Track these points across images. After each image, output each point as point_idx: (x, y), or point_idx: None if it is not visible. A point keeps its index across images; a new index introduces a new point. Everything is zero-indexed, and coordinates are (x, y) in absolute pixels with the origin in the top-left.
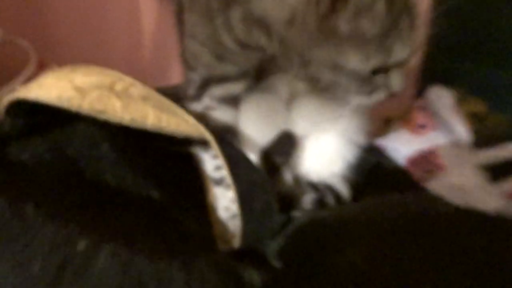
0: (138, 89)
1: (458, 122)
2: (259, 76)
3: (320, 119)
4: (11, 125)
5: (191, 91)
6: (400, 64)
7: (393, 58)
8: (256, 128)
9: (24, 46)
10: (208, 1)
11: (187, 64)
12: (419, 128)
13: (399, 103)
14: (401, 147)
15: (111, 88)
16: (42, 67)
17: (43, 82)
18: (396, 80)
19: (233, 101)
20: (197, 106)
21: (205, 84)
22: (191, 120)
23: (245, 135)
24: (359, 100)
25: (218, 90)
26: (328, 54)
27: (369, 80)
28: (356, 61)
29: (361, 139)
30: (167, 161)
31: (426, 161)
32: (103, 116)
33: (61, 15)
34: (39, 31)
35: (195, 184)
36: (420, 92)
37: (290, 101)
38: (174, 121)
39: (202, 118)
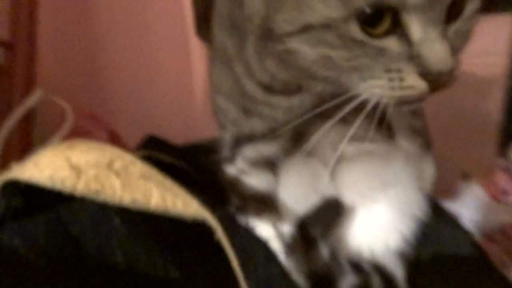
0: (138, 167)
1: None
2: (298, 139)
3: (370, 186)
4: (5, 206)
5: (225, 152)
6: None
7: None
8: (295, 197)
9: (62, 105)
10: (225, 48)
11: (218, 122)
12: (501, 194)
13: (478, 159)
14: (477, 215)
15: (109, 166)
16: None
17: (39, 160)
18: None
19: (268, 166)
20: (231, 170)
21: (237, 144)
22: (195, 204)
23: (283, 204)
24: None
25: (249, 151)
26: None
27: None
28: None
29: (421, 208)
30: (184, 231)
31: (508, 238)
32: (100, 197)
33: (113, 69)
34: (92, 86)
35: (217, 258)
36: (502, 150)
37: (335, 165)
38: (180, 202)
39: (235, 184)
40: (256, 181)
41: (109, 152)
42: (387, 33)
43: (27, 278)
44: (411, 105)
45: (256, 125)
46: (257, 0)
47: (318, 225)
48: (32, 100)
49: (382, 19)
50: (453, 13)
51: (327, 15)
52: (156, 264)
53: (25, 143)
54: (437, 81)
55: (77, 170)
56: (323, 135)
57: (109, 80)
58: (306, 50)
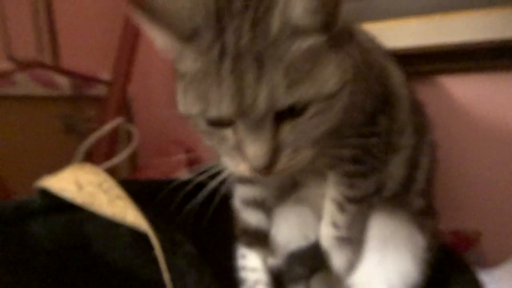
0: (116, 189)
1: None
2: (292, 188)
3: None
4: (39, 204)
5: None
6: None
7: None
8: (285, 238)
9: (131, 129)
10: None
11: None
12: None
13: None
14: None
15: (100, 186)
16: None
17: (62, 174)
18: None
19: (259, 206)
20: (234, 203)
21: (234, 182)
22: (144, 223)
23: (276, 243)
24: None
25: (242, 191)
26: None
27: None
28: None
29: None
30: None
31: None
32: (91, 209)
33: None
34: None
35: None
36: None
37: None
38: (139, 220)
39: (235, 216)
40: (248, 217)
41: (100, 175)
42: (227, 126)
43: (42, 263)
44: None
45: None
46: None
47: (304, 264)
48: (114, 123)
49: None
50: (292, 113)
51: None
52: (147, 269)
53: (110, 151)
54: (258, 172)
55: (79, 186)
56: (314, 186)
57: None
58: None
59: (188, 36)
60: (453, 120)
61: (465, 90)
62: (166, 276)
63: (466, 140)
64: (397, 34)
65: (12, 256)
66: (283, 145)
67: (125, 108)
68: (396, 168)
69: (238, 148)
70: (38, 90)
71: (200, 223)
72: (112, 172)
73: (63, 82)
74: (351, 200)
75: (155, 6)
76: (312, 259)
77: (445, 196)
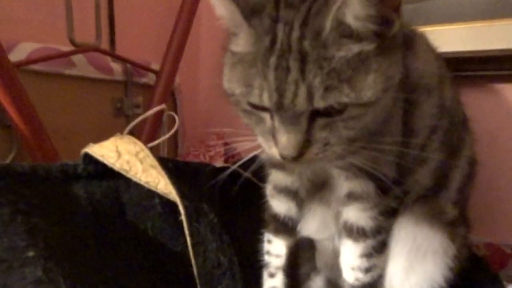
0: (150, 159)
1: None
2: (322, 185)
3: None
4: (82, 169)
5: (266, 172)
6: None
7: None
8: (307, 231)
9: (175, 116)
10: None
11: None
12: None
13: None
14: None
15: (137, 155)
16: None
17: (104, 143)
18: None
19: (291, 194)
20: (268, 189)
21: (269, 167)
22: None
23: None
24: None
25: (275, 177)
26: None
27: None
28: None
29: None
30: None
31: None
32: (128, 175)
33: None
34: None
35: None
36: None
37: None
38: (170, 188)
39: (266, 202)
40: (279, 205)
41: (138, 146)
42: (266, 110)
43: (80, 221)
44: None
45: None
46: None
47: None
48: (158, 108)
49: None
50: (328, 112)
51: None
52: (175, 240)
53: (152, 134)
54: (286, 160)
55: (118, 154)
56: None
57: None
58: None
59: (249, 12)
60: (502, 125)
61: None
62: (188, 240)
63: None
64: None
65: (55, 211)
66: (314, 140)
67: (171, 98)
68: (422, 178)
69: (273, 134)
70: (93, 73)
71: (233, 205)
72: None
73: (116, 68)
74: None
75: None
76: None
77: (485, 207)
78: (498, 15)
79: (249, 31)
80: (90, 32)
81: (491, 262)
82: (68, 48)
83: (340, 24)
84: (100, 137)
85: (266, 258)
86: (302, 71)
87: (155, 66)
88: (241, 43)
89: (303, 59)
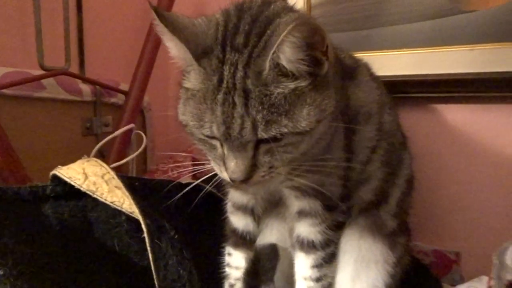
0: (115, 180)
1: None
2: (276, 203)
3: None
4: (51, 189)
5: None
6: None
7: None
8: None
9: (142, 135)
10: None
11: None
12: None
13: None
14: None
15: (102, 177)
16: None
17: (72, 165)
18: None
19: (247, 211)
20: (227, 206)
21: (227, 186)
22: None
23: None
24: None
25: (233, 195)
26: None
27: None
28: None
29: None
30: None
31: None
32: (94, 195)
33: None
34: None
35: None
36: None
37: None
38: (134, 208)
39: (227, 217)
40: (237, 221)
41: (103, 168)
42: (216, 138)
43: (49, 240)
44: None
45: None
46: None
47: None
48: (126, 128)
49: None
50: (271, 139)
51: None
52: (141, 255)
53: (121, 152)
54: (235, 182)
55: (85, 176)
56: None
57: None
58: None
59: (199, 54)
60: (439, 142)
61: (453, 116)
62: (150, 256)
63: (451, 165)
64: (393, 63)
65: (27, 230)
66: (259, 164)
67: (140, 115)
68: (365, 194)
69: (223, 160)
70: (63, 94)
71: (198, 219)
72: (123, 172)
73: (85, 89)
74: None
75: (176, 20)
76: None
77: (431, 217)
78: (437, 43)
79: (199, 70)
80: (59, 55)
81: (438, 268)
82: (38, 71)
83: (276, 65)
84: (70, 156)
85: (227, 270)
86: (246, 106)
87: (125, 86)
88: (192, 81)
89: (246, 96)
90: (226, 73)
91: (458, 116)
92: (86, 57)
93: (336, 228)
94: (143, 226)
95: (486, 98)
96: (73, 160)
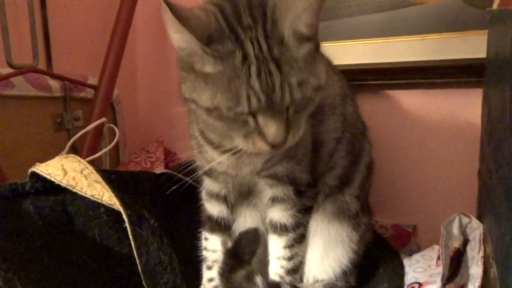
0: (94, 175)
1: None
2: (247, 194)
3: None
4: (30, 186)
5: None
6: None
7: None
8: (241, 229)
9: (114, 128)
10: None
11: None
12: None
13: None
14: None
15: (81, 172)
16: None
17: (50, 162)
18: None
19: (221, 199)
20: (202, 193)
21: (202, 174)
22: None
23: (234, 232)
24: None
25: (207, 184)
26: None
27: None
28: None
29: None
30: None
31: None
32: (74, 190)
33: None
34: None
35: None
36: None
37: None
38: (114, 200)
39: (202, 204)
40: (211, 208)
41: (82, 163)
42: (249, 114)
43: (32, 234)
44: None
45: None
46: None
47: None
48: (98, 122)
49: None
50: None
51: (207, 105)
52: (121, 244)
53: (94, 147)
54: (275, 147)
55: (64, 172)
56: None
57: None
58: (201, 115)
59: (206, 41)
60: (395, 125)
61: (406, 101)
62: (133, 244)
63: (406, 145)
64: (351, 53)
65: (8, 227)
66: (291, 126)
67: (110, 108)
68: (330, 180)
69: (258, 131)
70: (32, 91)
71: (175, 207)
72: (96, 165)
73: (55, 84)
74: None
75: (182, 9)
76: (252, 239)
77: (389, 194)
78: (391, 33)
79: (213, 54)
80: (26, 52)
81: (397, 240)
82: (6, 70)
83: (295, 30)
84: (42, 152)
85: (204, 253)
86: (281, 73)
87: (93, 79)
88: (209, 65)
89: (277, 64)
90: (249, 48)
91: (411, 100)
92: (53, 52)
93: (305, 212)
94: (124, 216)
95: (436, 84)
96: (46, 156)
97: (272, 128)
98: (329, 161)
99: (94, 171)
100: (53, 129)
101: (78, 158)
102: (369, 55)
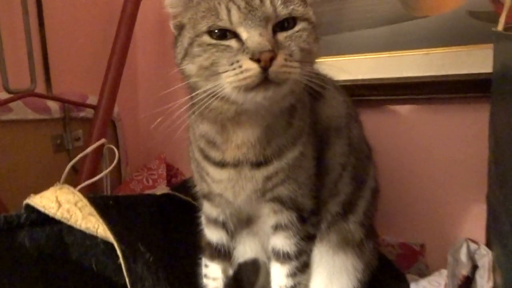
0: (88, 208)
1: None
2: (247, 222)
3: None
4: (25, 218)
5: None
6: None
7: None
8: (241, 258)
9: (114, 149)
10: None
11: None
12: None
13: None
14: None
15: (76, 204)
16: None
17: (45, 193)
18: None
19: (220, 226)
20: (202, 219)
21: (201, 198)
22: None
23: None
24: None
25: (206, 208)
26: None
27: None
28: None
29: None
30: None
31: None
32: (68, 223)
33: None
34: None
35: None
36: None
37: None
38: (108, 233)
39: (201, 230)
40: (211, 234)
41: (76, 195)
42: (231, 35)
43: (27, 266)
44: (259, 93)
45: (203, 187)
46: None
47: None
48: (97, 144)
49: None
50: (286, 26)
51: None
52: (118, 275)
53: (94, 168)
54: (262, 59)
55: (58, 204)
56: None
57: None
58: (190, 67)
59: None
60: (400, 142)
61: (411, 117)
62: (127, 279)
63: (411, 161)
64: (353, 68)
65: (5, 260)
66: (281, 46)
67: (111, 125)
68: (333, 207)
69: (242, 49)
70: (31, 114)
71: (175, 229)
72: (97, 186)
73: (53, 106)
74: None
75: None
76: (252, 271)
77: (396, 212)
78: (395, 47)
79: None
80: (24, 74)
81: (404, 259)
82: (2, 94)
83: None
84: (43, 174)
85: (205, 281)
86: None
87: (94, 98)
88: (193, 5)
89: None
90: None
91: (416, 116)
92: (52, 72)
93: (308, 240)
94: (118, 252)
95: (441, 99)
96: (46, 178)
97: (255, 36)
98: (333, 189)
99: (88, 204)
100: (53, 150)
101: (73, 189)
102: (372, 70)
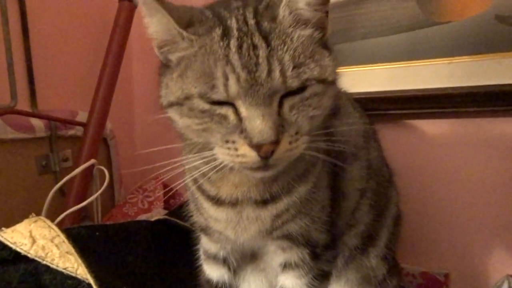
0: (66, 245)
1: None
2: (252, 257)
3: None
4: None
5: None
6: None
7: None
8: None
9: (104, 170)
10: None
11: None
12: None
13: None
14: None
15: (52, 240)
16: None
17: (18, 227)
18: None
19: (220, 262)
20: (200, 252)
21: (198, 230)
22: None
23: None
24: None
25: (204, 242)
26: None
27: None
28: None
29: None
30: None
31: None
32: (43, 262)
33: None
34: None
35: None
36: None
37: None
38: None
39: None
40: (210, 271)
41: (53, 230)
42: (228, 104)
43: None
44: (258, 173)
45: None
46: None
47: None
48: (86, 165)
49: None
50: (293, 92)
51: (178, 96)
52: None
53: (83, 191)
54: (262, 150)
55: (32, 240)
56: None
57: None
58: (177, 119)
59: (185, 24)
60: (420, 159)
61: (432, 132)
62: None
63: (433, 182)
64: (367, 79)
65: None
66: (286, 124)
67: (103, 146)
68: (351, 240)
69: (240, 128)
70: (12, 133)
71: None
72: (87, 210)
73: (38, 124)
74: None
75: None
76: None
77: (417, 237)
78: (413, 56)
79: (190, 33)
80: (5, 90)
81: None
82: None
83: (292, 10)
84: (27, 199)
85: None
86: (270, 47)
87: (84, 114)
88: (185, 46)
89: (266, 37)
90: (232, 23)
91: (438, 131)
92: (37, 86)
93: (323, 278)
94: None
95: (466, 112)
96: (30, 204)
97: (257, 120)
98: (351, 218)
99: (65, 240)
100: (38, 172)
101: (49, 223)
102: (388, 82)
